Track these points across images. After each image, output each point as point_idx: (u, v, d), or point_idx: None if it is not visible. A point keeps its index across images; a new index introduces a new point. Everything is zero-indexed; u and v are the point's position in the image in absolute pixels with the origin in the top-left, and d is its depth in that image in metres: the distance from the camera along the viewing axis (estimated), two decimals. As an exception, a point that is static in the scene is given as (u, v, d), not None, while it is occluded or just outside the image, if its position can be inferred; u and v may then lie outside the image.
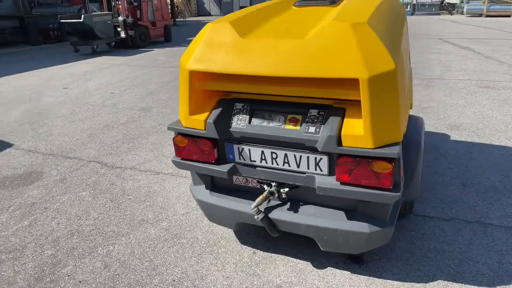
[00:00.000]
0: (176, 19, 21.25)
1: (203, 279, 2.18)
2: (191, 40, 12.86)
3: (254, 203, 2.06)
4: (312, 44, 1.71)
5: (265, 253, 2.37)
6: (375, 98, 1.63)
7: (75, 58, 10.36)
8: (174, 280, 2.18)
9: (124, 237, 2.57)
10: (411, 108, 2.77)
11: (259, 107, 1.99)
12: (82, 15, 9.81)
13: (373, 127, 1.67)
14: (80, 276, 2.23)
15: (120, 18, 10.92)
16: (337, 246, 2.02)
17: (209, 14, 28.38)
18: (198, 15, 28.65)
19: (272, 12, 2.31)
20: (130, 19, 11.17)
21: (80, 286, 2.15)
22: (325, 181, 1.87)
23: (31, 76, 8.23)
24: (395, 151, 1.67)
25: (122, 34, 10.94)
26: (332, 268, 2.22)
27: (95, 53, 11.00)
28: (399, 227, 2.56)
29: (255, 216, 2.07)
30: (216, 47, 1.89)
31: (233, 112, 2.02)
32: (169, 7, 19.04)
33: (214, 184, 2.31)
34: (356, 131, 1.71)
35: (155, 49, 11.68)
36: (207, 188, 2.30)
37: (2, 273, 2.28)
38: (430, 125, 4.37)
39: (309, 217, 2.03)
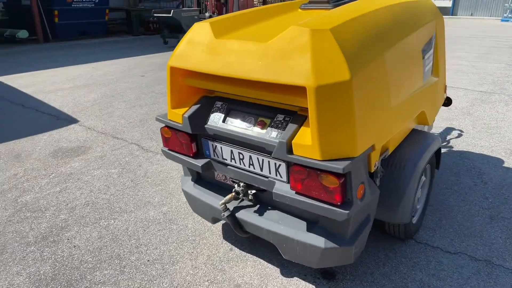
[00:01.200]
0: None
1: (173, 264, 2.30)
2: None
3: (222, 200, 2.11)
4: (271, 48, 1.69)
5: (241, 251, 2.40)
6: (323, 109, 1.56)
7: (163, 49, 11.26)
8: (148, 260, 2.33)
9: (126, 214, 2.82)
10: (427, 124, 2.53)
11: (235, 107, 2.02)
12: (172, 10, 10.62)
13: (320, 138, 1.60)
14: (76, 241, 2.52)
15: (207, 14, 11.57)
16: (296, 257, 1.97)
17: (303, 13, 28.19)
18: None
19: (272, 14, 2.31)
20: (215, 15, 11.77)
21: (72, 250, 2.44)
22: (282, 188, 1.84)
23: (120, 63, 9.20)
24: (340, 166, 1.57)
25: (207, 29, 11.55)
26: (298, 278, 2.17)
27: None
28: (390, 249, 2.38)
29: (222, 213, 2.11)
30: (194, 46, 1.97)
31: (212, 110, 2.08)
32: (258, 3, 19.41)
33: (199, 177, 2.41)
34: (305, 141, 1.65)
35: (236, 44, 12.10)
36: (192, 180, 2.40)
37: (21, 228, 2.67)
38: (486, 147, 3.89)
39: (271, 222, 2.01)
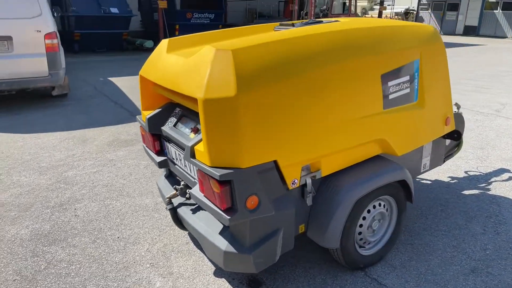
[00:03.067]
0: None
1: (134, 244, 2.65)
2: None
3: (168, 195, 2.38)
4: (189, 63, 1.92)
5: (194, 247, 2.63)
6: (210, 120, 1.73)
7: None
8: (118, 237, 2.74)
9: (128, 199, 3.29)
10: (395, 154, 2.39)
11: (187, 113, 2.29)
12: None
13: (209, 146, 1.76)
14: (79, 212, 3.07)
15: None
16: (210, 255, 2.13)
17: (426, 34, 26.40)
18: (414, 34, 27.07)
19: (242, 33, 2.51)
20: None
21: (72, 218, 2.99)
22: (196, 189, 2.04)
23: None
24: (218, 173, 1.72)
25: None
26: (225, 280, 2.30)
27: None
28: (331, 275, 2.32)
29: (166, 206, 2.39)
30: (154, 58, 2.31)
31: (171, 115, 2.39)
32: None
33: (170, 173, 2.72)
34: (201, 147, 1.84)
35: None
36: (165, 175, 2.73)
37: (50, 194, 3.36)
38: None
39: (197, 221, 2.21)
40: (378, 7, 21.83)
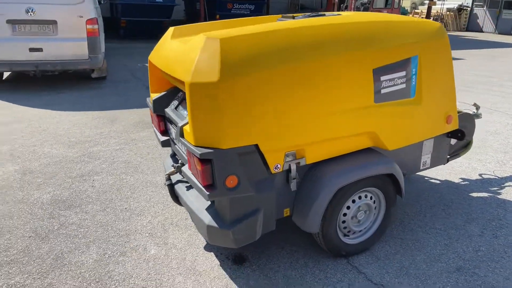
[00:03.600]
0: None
1: (138, 216, 2.89)
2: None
3: (167, 172, 2.58)
4: (184, 49, 2.08)
5: (192, 222, 2.82)
6: (194, 102, 1.88)
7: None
8: (125, 208, 2.99)
9: (142, 175, 3.54)
10: (385, 148, 2.43)
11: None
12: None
13: (193, 127, 1.92)
14: (96, 184, 3.36)
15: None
16: (198, 229, 2.30)
17: (481, 31, 24.99)
18: (467, 30, 25.68)
19: (246, 23, 2.63)
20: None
21: (88, 188, 3.28)
22: (186, 167, 2.21)
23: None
24: (198, 151, 1.87)
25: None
26: (213, 254, 2.48)
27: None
28: (314, 259, 2.43)
29: (164, 182, 2.59)
30: (161, 44, 2.49)
31: (175, 98, 2.57)
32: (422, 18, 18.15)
33: (174, 152, 2.92)
34: (188, 127, 2.00)
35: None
36: (170, 154, 2.94)
37: (74, 166, 3.68)
38: None
39: (189, 197, 2.39)
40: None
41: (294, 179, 2.21)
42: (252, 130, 1.95)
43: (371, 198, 2.46)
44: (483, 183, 3.57)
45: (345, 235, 2.47)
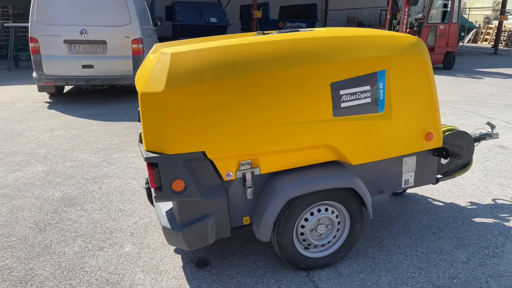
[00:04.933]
0: (499, 48, 18.54)
1: (128, 216, 3.13)
2: (478, 72, 11.47)
3: (147, 176, 2.79)
4: (147, 63, 2.29)
5: (172, 226, 2.98)
6: (144, 110, 2.06)
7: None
8: (120, 209, 3.25)
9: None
10: (348, 162, 2.40)
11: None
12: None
13: (144, 132, 2.10)
14: (104, 186, 3.69)
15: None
16: (162, 229, 2.46)
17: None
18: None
19: (219, 39, 2.79)
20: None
21: (96, 190, 3.61)
22: (150, 171, 2.40)
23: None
24: (145, 155, 2.05)
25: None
26: (178, 256, 2.61)
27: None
28: (270, 267, 2.45)
29: (144, 185, 2.80)
30: (144, 61, 2.74)
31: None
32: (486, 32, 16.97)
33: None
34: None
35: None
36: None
37: (92, 170, 4.08)
38: (559, 235, 2.87)
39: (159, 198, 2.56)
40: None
41: (249, 187, 2.28)
42: (198, 137, 2.08)
43: (333, 212, 2.43)
44: (494, 208, 3.29)
45: (305, 248, 2.46)
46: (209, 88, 2.05)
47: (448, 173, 3.00)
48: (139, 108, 2.27)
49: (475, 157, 4.32)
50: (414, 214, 3.17)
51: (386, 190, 2.70)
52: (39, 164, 4.22)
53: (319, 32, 2.47)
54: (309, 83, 2.23)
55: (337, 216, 2.45)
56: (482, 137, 3.25)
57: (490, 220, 3.08)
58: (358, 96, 2.35)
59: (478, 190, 3.61)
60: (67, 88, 8.30)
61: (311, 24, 15.27)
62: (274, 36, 2.35)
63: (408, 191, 3.58)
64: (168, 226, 2.25)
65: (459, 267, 2.51)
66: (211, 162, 2.17)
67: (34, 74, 6.83)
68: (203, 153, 2.12)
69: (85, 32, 6.73)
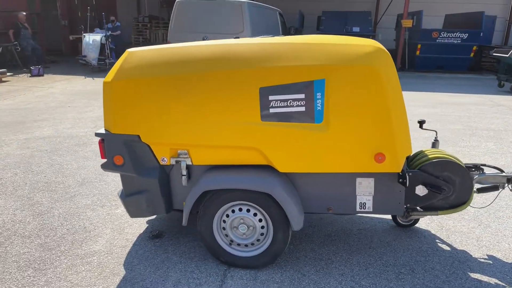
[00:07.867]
0: None
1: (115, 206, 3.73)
2: None
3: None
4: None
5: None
6: (103, 95, 2.57)
7: (492, 91, 9.94)
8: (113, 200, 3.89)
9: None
10: (276, 167, 2.38)
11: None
12: (511, 51, 9.16)
13: (104, 114, 2.61)
14: (108, 179, 4.42)
15: None
16: None
17: None
18: None
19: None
20: None
21: (101, 181, 4.37)
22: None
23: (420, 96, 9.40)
24: (97, 131, 2.55)
25: None
26: (145, 225, 3.04)
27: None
28: (204, 255, 2.64)
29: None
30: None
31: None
32: None
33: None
34: (109, 115, 2.70)
35: None
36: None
37: (105, 178, 4.88)
38: None
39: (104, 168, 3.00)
40: None
41: (183, 175, 2.55)
42: (135, 123, 2.48)
43: (255, 215, 2.45)
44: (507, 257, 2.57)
45: (230, 243, 2.55)
46: (146, 82, 2.42)
47: (431, 208, 2.53)
48: None
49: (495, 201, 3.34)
50: (384, 247, 2.77)
51: (335, 209, 2.51)
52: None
53: (270, 38, 2.51)
54: (239, 86, 2.34)
55: (260, 220, 2.46)
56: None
57: (493, 281, 2.45)
58: (290, 103, 2.32)
59: (497, 237, 2.84)
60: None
61: (474, 35, 13.20)
62: (220, 41, 2.53)
63: (419, 225, 3.09)
64: (119, 194, 2.72)
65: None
66: (149, 146, 2.53)
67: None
68: (138, 136, 2.50)
69: (206, 38, 7.81)
